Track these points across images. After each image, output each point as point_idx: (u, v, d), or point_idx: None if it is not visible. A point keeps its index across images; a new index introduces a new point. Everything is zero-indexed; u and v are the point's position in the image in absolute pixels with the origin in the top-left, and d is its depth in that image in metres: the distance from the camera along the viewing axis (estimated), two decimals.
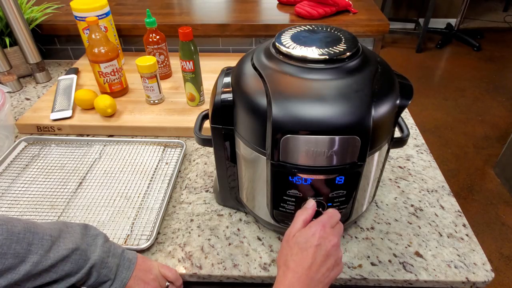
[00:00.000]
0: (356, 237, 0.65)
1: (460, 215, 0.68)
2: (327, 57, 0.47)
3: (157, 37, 1.00)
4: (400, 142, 0.58)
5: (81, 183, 0.75)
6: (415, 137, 0.88)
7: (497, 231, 1.72)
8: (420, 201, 0.71)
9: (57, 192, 0.73)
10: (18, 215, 0.68)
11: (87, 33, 1.03)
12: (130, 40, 1.23)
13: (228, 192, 0.66)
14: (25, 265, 0.45)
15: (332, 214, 0.49)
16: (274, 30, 1.15)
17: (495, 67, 3.09)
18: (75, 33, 1.09)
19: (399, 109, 0.50)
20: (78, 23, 1.02)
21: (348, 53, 0.48)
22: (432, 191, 0.73)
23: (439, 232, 0.65)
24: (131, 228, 0.65)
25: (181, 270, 0.60)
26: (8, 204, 0.70)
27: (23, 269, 0.44)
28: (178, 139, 0.86)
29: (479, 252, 0.62)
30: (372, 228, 0.66)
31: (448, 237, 0.64)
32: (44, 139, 0.87)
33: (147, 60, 0.87)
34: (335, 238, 0.46)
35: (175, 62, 1.04)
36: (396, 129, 0.58)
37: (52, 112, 0.91)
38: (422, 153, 0.83)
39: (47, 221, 0.67)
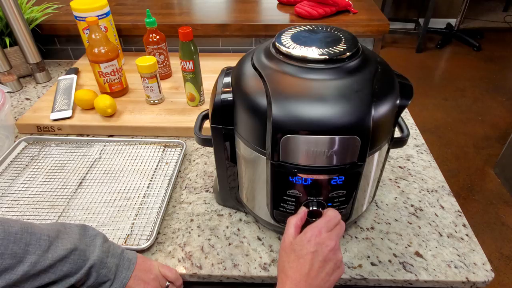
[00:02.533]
0: (356, 237, 0.65)
1: (460, 215, 0.68)
2: (327, 57, 0.47)
3: (157, 37, 1.00)
4: (400, 142, 0.58)
5: (81, 183, 0.75)
6: (415, 137, 0.88)
7: (497, 231, 1.72)
8: (420, 201, 0.71)
9: (57, 192, 0.73)
10: (18, 215, 0.68)
11: (87, 33, 1.03)
12: (130, 40, 1.23)
13: (228, 192, 0.66)
14: (23, 265, 0.45)
15: (330, 218, 0.48)
16: (274, 30, 1.15)
17: (495, 67, 3.09)
18: (75, 33, 1.09)
19: (399, 109, 0.50)
20: (78, 23, 1.02)
21: (348, 53, 0.48)
22: (432, 191, 0.73)
23: (439, 232, 0.65)
24: (131, 228, 0.65)
25: (181, 270, 0.60)
26: (8, 204, 0.70)
27: (21, 269, 0.44)
28: (178, 139, 0.86)
29: (479, 252, 0.62)
30: (372, 228, 0.66)
31: (448, 237, 0.64)
32: (44, 139, 0.87)
33: (147, 60, 0.87)
34: (332, 242, 0.46)
35: (175, 62, 1.04)
36: (396, 129, 0.58)
37: (52, 112, 0.91)
38: (422, 153, 0.83)
39: (47, 221, 0.67)
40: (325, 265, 0.45)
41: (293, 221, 0.49)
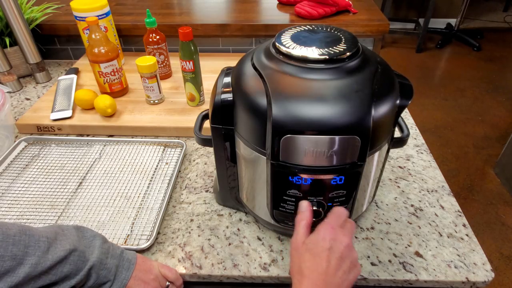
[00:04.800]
0: (356, 237, 0.64)
1: (460, 215, 0.68)
2: (327, 57, 0.47)
3: (157, 37, 1.00)
4: (400, 142, 0.58)
5: (81, 183, 0.75)
6: (415, 137, 0.88)
7: (497, 231, 1.72)
8: (420, 201, 0.71)
9: (57, 192, 0.73)
10: (18, 215, 0.68)
11: (87, 33, 1.03)
12: (130, 40, 1.23)
13: (228, 192, 0.66)
14: (24, 267, 0.44)
15: (339, 214, 0.47)
16: (274, 30, 1.15)
17: (495, 67, 3.09)
18: (75, 33, 1.09)
19: (399, 109, 0.50)
20: (78, 23, 1.02)
21: (348, 53, 0.48)
22: (432, 191, 0.73)
23: (439, 232, 0.65)
24: (131, 228, 0.65)
25: (181, 270, 0.60)
26: (8, 204, 0.70)
27: (22, 271, 0.44)
28: (178, 139, 0.86)
29: (479, 252, 0.62)
30: (372, 228, 0.66)
31: (448, 237, 0.64)
32: (44, 139, 0.87)
33: (147, 60, 0.87)
34: (346, 238, 0.44)
35: (175, 62, 1.04)
36: (396, 129, 0.58)
37: (52, 112, 0.91)
38: (422, 153, 0.83)
39: (47, 221, 0.67)
40: (342, 262, 0.43)
41: (303, 223, 0.47)
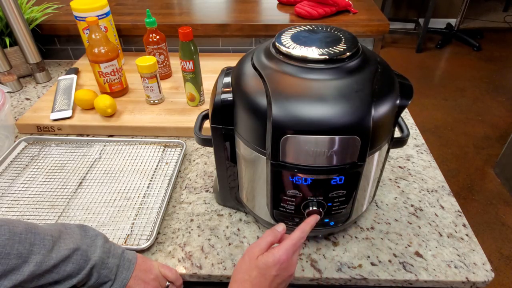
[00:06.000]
0: (356, 237, 0.64)
1: (460, 215, 0.68)
2: (327, 57, 0.47)
3: (157, 37, 1.00)
4: (400, 142, 0.58)
5: (81, 183, 0.75)
6: (415, 137, 0.88)
7: (497, 231, 1.72)
8: (420, 201, 0.71)
9: (57, 192, 0.73)
10: (18, 215, 0.68)
11: (87, 33, 1.03)
12: (130, 40, 1.23)
13: (228, 192, 0.66)
14: (29, 265, 0.45)
15: (296, 241, 0.48)
16: (274, 30, 1.15)
17: (495, 67, 3.09)
18: (75, 33, 1.09)
19: (399, 109, 0.50)
20: (78, 23, 1.02)
21: (348, 53, 0.48)
22: (432, 191, 0.73)
23: (439, 232, 0.65)
24: (131, 228, 0.65)
25: (181, 270, 0.60)
26: (8, 204, 0.70)
27: (27, 269, 0.44)
28: (178, 139, 0.86)
29: (479, 252, 0.62)
30: (372, 228, 0.66)
31: (448, 237, 0.64)
32: (44, 139, 0.87)
33: (147, 60, 0.87)
34: (293, 268, 0.48)
35: (175, 62, 1.04)
36: (396, 129, 0.58)
37: (52, 112, 0.91)
38: (422, 153, 0.83)
39: (47, 221, 0.67)
40: (279, 286, 0.47)
41: (270, 239, 0.49)
